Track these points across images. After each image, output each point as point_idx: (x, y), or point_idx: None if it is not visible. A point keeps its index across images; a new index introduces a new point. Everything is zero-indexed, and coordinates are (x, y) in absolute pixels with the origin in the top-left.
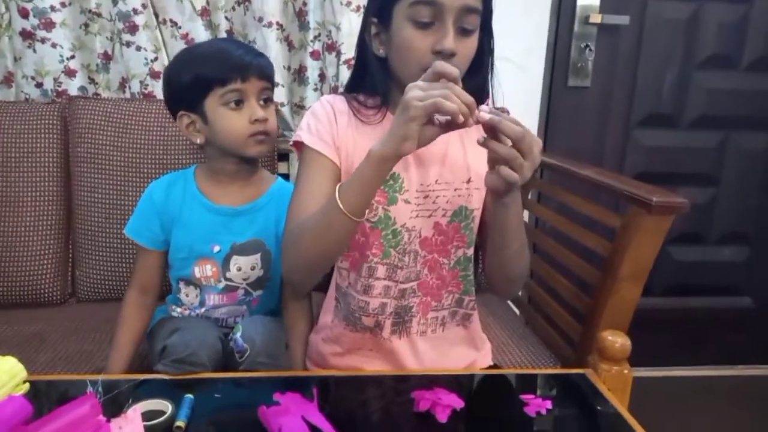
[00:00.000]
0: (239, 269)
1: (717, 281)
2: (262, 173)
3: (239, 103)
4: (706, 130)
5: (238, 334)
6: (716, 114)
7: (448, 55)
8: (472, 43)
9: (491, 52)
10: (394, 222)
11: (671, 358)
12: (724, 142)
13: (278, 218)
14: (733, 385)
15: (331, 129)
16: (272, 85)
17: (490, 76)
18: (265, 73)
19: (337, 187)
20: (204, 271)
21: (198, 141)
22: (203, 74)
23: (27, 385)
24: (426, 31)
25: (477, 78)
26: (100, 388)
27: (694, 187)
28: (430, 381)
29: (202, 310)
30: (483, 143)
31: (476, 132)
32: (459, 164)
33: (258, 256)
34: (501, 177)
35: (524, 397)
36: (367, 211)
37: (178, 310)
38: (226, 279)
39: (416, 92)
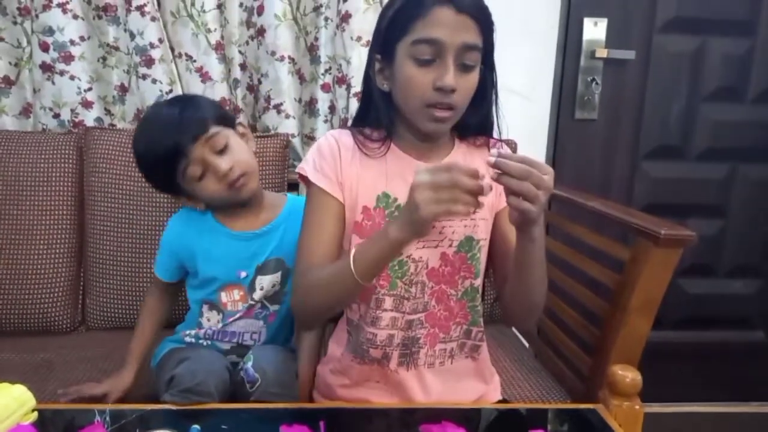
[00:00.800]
0: (262, 288)
1: (728, 314)
2: (271, 196)
3: (201, 171)
4: (714, 161)
5: (249, 364)
6: (723, 146)
7: (448, 91)
8: (472, 79)
9: (494, 85)
10: (400, 253)
11: (683, 393)
12: (732, 174)
13: (286, 230)
14: (746, 421)
15: (335, 165)
16: (223, 124)
17: (494, 107)
18: (198, 131)
19: (352, 254)
20: (231, 296)
21: (197, 208)
22: (150, 154)
23: (35, 413)
24: (427, 68)
25: (481, 111)
26: (107, 418)
27: (703, 218)
28: (438, 414)
29: (220, 326)
30: (496, 179)
31: (481, 162)
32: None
33: (278, 274)
34: (519, 210)
35: (532, 431)
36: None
37: (192, 333)
38: (253, 300)
39: (426, 194)
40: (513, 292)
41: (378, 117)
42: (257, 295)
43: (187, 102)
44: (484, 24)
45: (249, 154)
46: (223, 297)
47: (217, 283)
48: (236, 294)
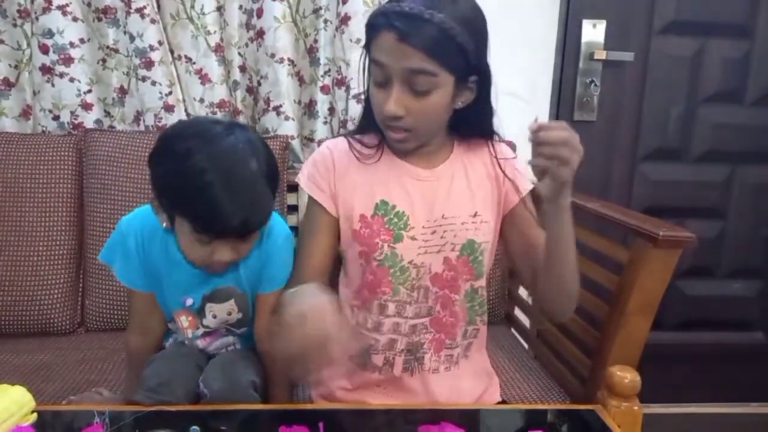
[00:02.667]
0: (215, 316)
1: (728, 316)
2: None
3: (207, 243)
4: (713, 163)
5: (200, 378)
6: (722, 148)
7: (392, 118)
8: (428, 103)
9: (486, 99)
10: (401, 259)
11: (683, 395)
12: (731, 176)
13: (257, 269)
14: (745, 423)
15: (328, 177)
16: (253, 234)
17: (491, 111)
18: (251, 232)
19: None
20: (181, 322)
21: (163, 224)
22: (179, 211)
23: (35, 415)
24: (381, 90)
25: (478, 115)
26: (107, 419)
27: (702, 220)
28: (438, 416)
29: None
30: (536, 144)
31: (481, 166)
32: (464, 199)
33: (231, 301)
34: (554, 176)
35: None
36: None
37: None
38: (204, 326)
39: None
40: (550, 282)
41: (372, 121)
42: (210, 322)
43: (258, 196)
44: (438, 52)
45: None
46: (176, 321)
47: (167, 311)
48: (185, 320)
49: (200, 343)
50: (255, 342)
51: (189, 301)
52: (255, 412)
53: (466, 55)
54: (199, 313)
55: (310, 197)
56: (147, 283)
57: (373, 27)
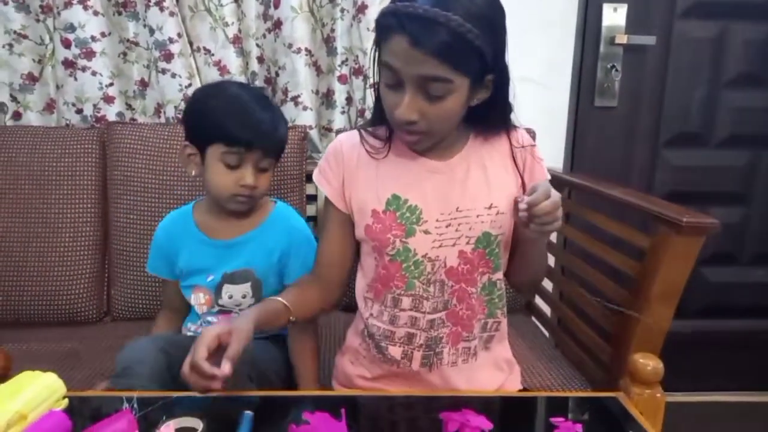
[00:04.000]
0: (230, 297)
1: (751, 302)
2: (261, 202)
3: (235, 166)
4: (736, 148)
5: None
6: (745, 132)
7: (404, 123)
8: (443, 107)
9: (503, 95)
10: (414, 253)
11: (705, 383)
12: (755, 161)
13: (271, 248)
14: None
15: (339, 173)
16: (278, 156)
17: (509, 104)
18: (273, 149)
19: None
20: (198, 299)
21: (192, 172)
22: (214, 127)
23: (66, 400)
24: (393, 92)
25: (495, 108)
26: (135, 405)
27: (725, 206)
28: (459, 403)
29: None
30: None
31: (499, 156)
32: (480, 190)
33: (248, 285)
34: (539, 230)
35: (554, 420)
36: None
37: (192, 328)
38: (219, 306)
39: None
40: (518, 271)
41: (382, 115)
42: (225, 302)
43: (279, 118)
44: (453, 58)
45: (269, 187)
46: (193, 299)
47: (188, 287)
48: (202, 297)
49: (212, 319)
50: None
51: (210, 277)
52: (278, 398)
53: (482, 57)
54: (216, 292)
55: (323, 193)
56: (171, 271)
57: (383, 28)
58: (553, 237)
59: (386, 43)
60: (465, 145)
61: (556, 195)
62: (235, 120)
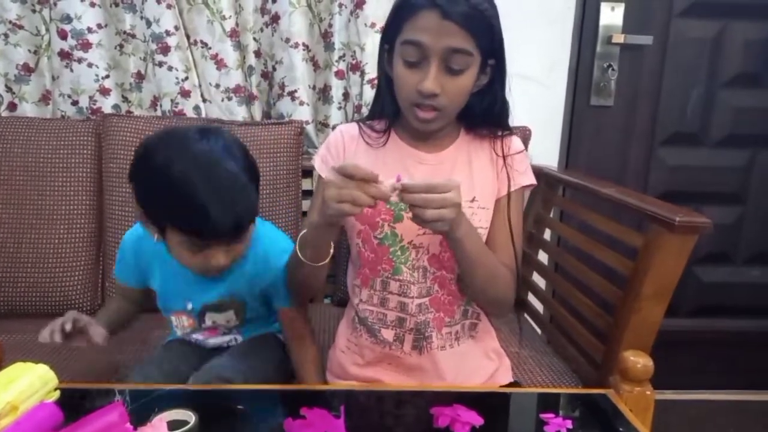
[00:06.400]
0: (213, 322)
1: (745, 302)
2: None
3: (199, 250)
4: (732, 148)
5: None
6: (742, 133)
7: (428, 96)
8: (462, 82)
9: (502, 79)
10: (401, 239)
11: (698, 381)
12: (751, 161)
13: (252, 276)
14: (760, 410)
15: (339, 158)
16: (245, 232)
17: (504, 101)
18: (238, 237)
19: (298, 238)
20: (180, 321)
21: (154, 237)
22: (165, 216)
23: (57, 392)
24: (414, 70)
25: (488, 103)
26: (127, 397)
27: (720, 206)
28: (450, 398)
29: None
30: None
31: (486, 154)
32: (464, 183)
33: (231, 312)
34: (416, 219)
35: (544, 416)
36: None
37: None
38: (203, 328)
39: (332, 192)
40: (462, 285)
41: (383, 105)
42: (209, 325)
43: (239, 197)
44: (476, 28)
45: (245, 249)
46: (174, 320)
47: (166, 305)
48: (185, 320)
49: (198, 337)
50: (262, 329)
51: (189, 305)
52: (276, 393)
53: (493, 36)
54: (199, 317)
55: (322, 178)
56: (143, 284)
57: (410, 6)
58: (547, 234)
59: (412, 21)
60: (456, 139)
61: (437, 195)
62: (184, 215)
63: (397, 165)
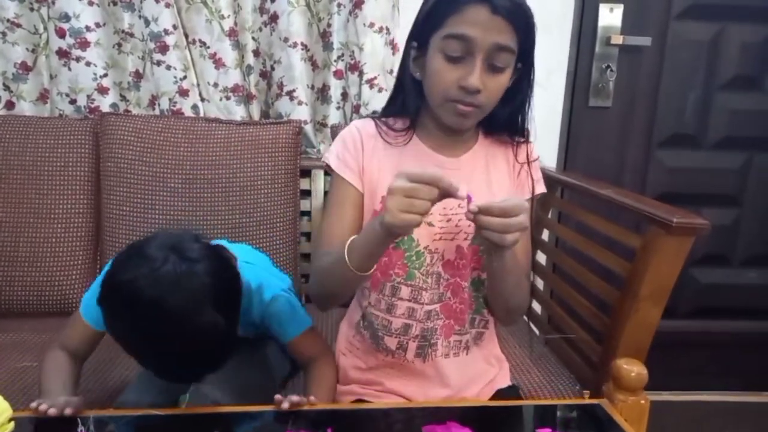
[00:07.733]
0: None
1: (742, 304)
2: None
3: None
4: (730, 150)
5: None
6: (740, 135)
7: (472, 91)
8: (502, 80)
9: (530, 85)
10: (417, 244)
11: (695, 382)
12: (748, 163)
13: (251, 321)
14: (758, 411)
15: (357, 155)
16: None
17: (527, 107)
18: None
19: (347, 244)
20: None
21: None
22: (129, 353)
23: (12, 423)
24: (456, 65)
25: (511, 109)
26: (91, 427)
27: (718, 208)
28: (443, 414)
29: None
30: (473, 219)
31: (503, 161)
32: (482, 190)
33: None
34: (484, 242)
35: (539, 430)
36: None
37: None
38: None
39: (398, 201)
40: (491, 295)
41: (406, 105)
42: None
43: (214, 349)
44: (521, 26)
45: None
46: None
47: None
48: None
49: None
50: (255, 343)
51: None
52: (261, 414)
53: (532, 36)
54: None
55: (337, 177)
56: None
57: (456, 1)
58: (545, 235)
59: (459, 15)
60: (474, 144)
61: (515, 219)
62: (146, 363)
63: (415, 167)
